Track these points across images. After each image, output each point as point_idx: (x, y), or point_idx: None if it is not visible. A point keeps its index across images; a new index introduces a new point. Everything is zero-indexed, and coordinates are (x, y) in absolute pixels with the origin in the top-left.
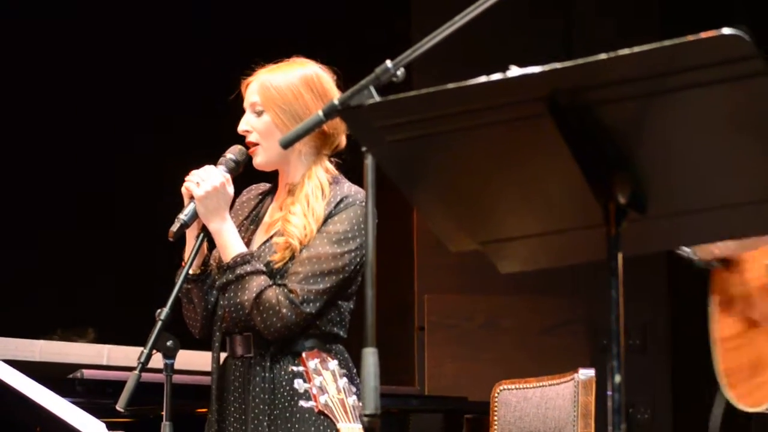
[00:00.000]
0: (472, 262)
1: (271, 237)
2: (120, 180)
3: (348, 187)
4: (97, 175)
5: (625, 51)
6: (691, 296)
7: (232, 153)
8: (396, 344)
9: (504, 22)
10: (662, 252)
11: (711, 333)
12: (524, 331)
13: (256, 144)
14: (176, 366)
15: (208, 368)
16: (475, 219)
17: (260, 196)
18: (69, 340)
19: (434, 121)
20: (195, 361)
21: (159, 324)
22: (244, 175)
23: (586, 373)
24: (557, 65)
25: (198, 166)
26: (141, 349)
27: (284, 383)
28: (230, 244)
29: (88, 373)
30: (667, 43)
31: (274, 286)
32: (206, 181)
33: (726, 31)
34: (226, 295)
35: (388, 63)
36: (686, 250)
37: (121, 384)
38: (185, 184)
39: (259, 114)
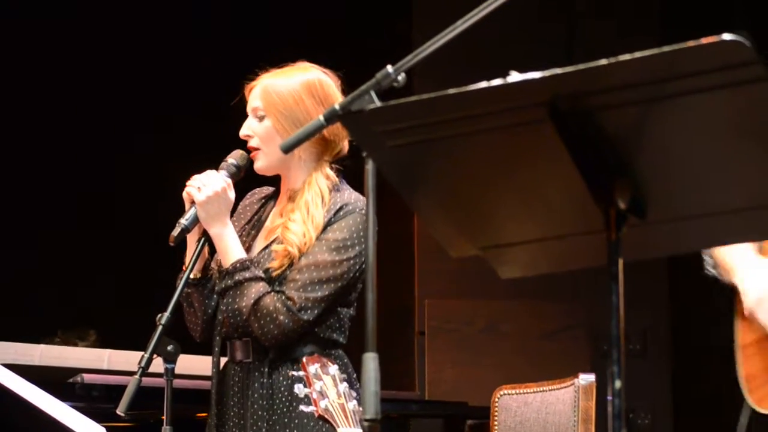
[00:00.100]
0: (472, 268)
1: (271, 243)
2: (120, 180)
3: (348, 195)
4: (97, 175)
5: (626, 56)
6: (691, 302)
7: (234, 158)
8: (396, 349)
9: (504, 25)
10: (662, 257)
11: (735, 340)
12: (525, 336)
13: (257, 149)
14: (177, 370)
15: (209, 373)
16: (475, 224)
17: (263, 200)
18: (70, 342)
19: (435, 127)
20: (195, 365)
21: (160, 328)
22: (248, 179)
23: (587, 378)
24: (558, 71)
25: (198, 167)
26: (141, 353)
27: (282, 389)
28: (230, 249)
29: (88, 378)
30: (667, 48)
31: (272, 293)
32: (207, 186)
33: (726, 36)
34: (225, 300)
35: (389, 68)
36: (711, 272)
37: (121, 388)
38: (186, 189)
39: (261, 119)
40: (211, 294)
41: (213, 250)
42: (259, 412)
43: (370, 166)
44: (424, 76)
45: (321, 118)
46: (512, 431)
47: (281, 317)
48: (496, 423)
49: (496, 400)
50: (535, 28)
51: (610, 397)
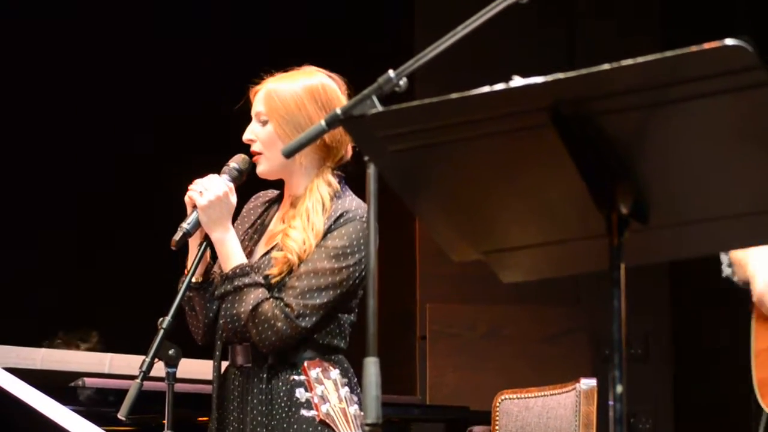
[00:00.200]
0: (474, 272)
1: (271, 250)
2: (120, 180)
3: (349, 202)
4: (97, 175)
5: (628, 61)
6: (693, 306)
7: (236, 162)
8: (398, 353)
9: (504, 25)
10: (664, 262)
11: (750, 345)
12: (526, 340)
13: (259, 153)
14: (178, 374)
15: (210, 377)
16: (477, 229)
17: (266, 204)
18: (72, 343)
19: (437, 131)
20: (197, 369)
21: (161, 332)
22: (252, 182)
23: (588, 383)
24: (560, 75)
25: (199, 167)
26: (143, 357)
27: (282, 394)
28: (231, 254)
29: (89, 382)
30: (669, 53)
31: (270, 299)
32: (209, 191)
33: (729, 42)
34: (224, 305)
35: (391, 72)
36: (726, 271)
37: (122, 392)
38: (188, 193)
39: (264, 123)
40: (213, 298)
41: (215, 254)
42: (258, 418)
43: (371, 171)
44: (426, 80)
45: (323, 122)
46: None
47: (279, 324)
48: (497, 427)
49: (498, 404)
50: (535, 28)
51: (611, 402)
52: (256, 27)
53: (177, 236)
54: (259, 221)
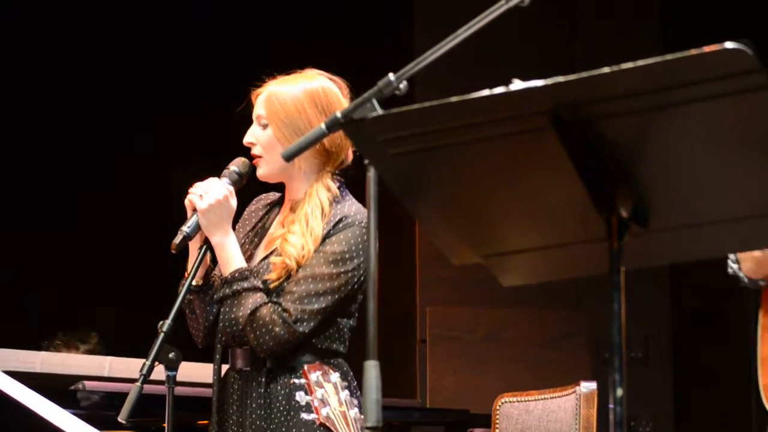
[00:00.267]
0: (474, 275)
1: (270, 254)
2: (120, 180)
3: (349, 207)
4: (97, 175)
5: (629, 65)
6: (693, 309)
7: (236, 165)
8: (398, 357)
9: (504, 25)
10: (664, 265)
11: (757, 351)
12: (526, 343)
13: (259, 156)
14: (178, 378)
15: (210, 380)
16: (477, 232)
17: (268, 207)
18: (71, 344)
19: (437, 135)
20: (197, 373)
21: (161, 336)
22: (255, 185)
23: (588, 386)
24: (560, 79)
25: (199, 168)
26: (143, 360)
27: (280, 398)
28: (230, 258)
29: (89, 385)
30: (669, 57)
31: (269, 304)
32: (209, 194)
33: (729, 45)
34: (223, 309)
35: (391, 76)
36: (733, 267)
37: (123, 396)
38: (188, 197)
39: (264, 127)
40: (212, 301)
41: (215, 257)
42: (257, 422)
43: (371, 174)
44: (426, 83)
45: (323, 126)
46: None
47: (277, 329)
48: (497, 430)
49: (498, 407)
50: (535, 28)
51: (611, 405)
52: (256, 27)
53: (177, 239)
54: (259, 224)
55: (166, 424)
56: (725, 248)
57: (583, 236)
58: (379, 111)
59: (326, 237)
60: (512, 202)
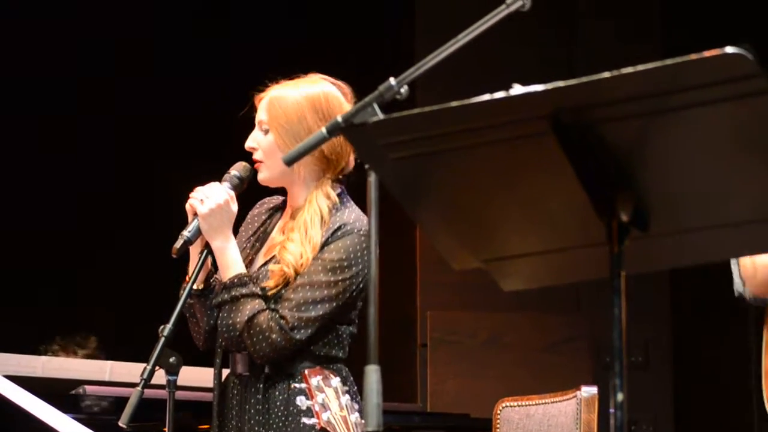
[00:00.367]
0: (474, 279)
1: (269, 261)
2: (120, 180)
3: (348, 214)
4: (97, 175)
5: (628, 69)
6: (693, 314)
7: (237, 170)
8: (398, 361)
9: (504, 26)
10: (665, 269)
11: (762, 362)
12: (527, 348)
13: (261, 161)
14: (179, 382)
15: (211, 384)
16: (477, 237)
17: (270, 211)
18: (69, 349)
19: (437, 139)
20: (197, 377)
21: (162, 340)
22: (257, 190)
23: (589, 391)
24: (560, 84)
25: (199, 168)
26: (144, 365)
27: (278, 403)
28: (230, 263)
29: (90, 389)
30: (669, 61)
31: (266, 311)
32: (210, 199)
33: (729, 49)
34: (221, 314)
35: (392, 80)
36: (739, 289)
37: (123, 400)
38: (189, 201)
39: (266, 132)
40: (212, 306)
41: (216, 262)
42: (256, 428)
43: (372, 179)
44: (427, 88)
45: (323, 130)
46: None
47: (273, 335)
48: None
49: (498, 412)
50: (535, 28)
51: (612, 410)
52: (256, 29)
53: (178, 244)
54: (261, 228)
55: (166, 429)
56: (725, 253)
57: (584, 241)
58: (380, 115)
59: (325, 244)
60: (513, 207)
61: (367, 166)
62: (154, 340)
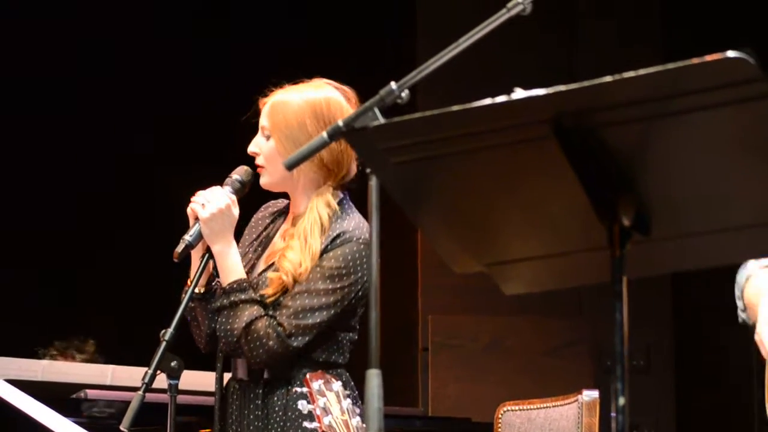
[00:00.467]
0: (476, 283)
1: (269, 268)
2: (120, 180)
3: (348, 222)
4: (97, 175)
5: (630, 73)
6: (695, 318)
7: (238, 174)
8: (400, 365)
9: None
10: (666, 273)
11: (766, 372)
12: (528, 352)
13: (262, 166)
14: (180, 386)
15: (212, 389)
16: (479, 241)
17: (274, 215)
18: (68, 352)
19: (439, 143)
20: (199, 381)
21: (163, 344)
22: (260, 194)
23: (590, 395)
24: (561, 88)
25: (199, 169)
26: (145, 369)
27: (277, 408)
28: (231, 268)
29: (91, 393)
30: (671, 65)
31: (265, 317)
32: (211, 203)
33: (730, 54)
34: (219, 319)
35: (393, 84)
36: (742, 316)
37: (125, 404)
38: (191, 205)
39: (268, 138)
40: (211, 310)
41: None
42: None
43: (373, 183)
44: (428, 92)
45: (324, 134)
46: None
47: (271, 342)
48: None
49: (500, 416)
50: (535, 29)
51: (614, 414)
52: (257, 32)
53: (179, 248)
54: (264, 233)
55: None
56: (727, 257)
57: (585, 245)
58: (381, 120)
59: (324, 252)
60: (514, 211)
61: (368, 171)
62: (155, 341)
